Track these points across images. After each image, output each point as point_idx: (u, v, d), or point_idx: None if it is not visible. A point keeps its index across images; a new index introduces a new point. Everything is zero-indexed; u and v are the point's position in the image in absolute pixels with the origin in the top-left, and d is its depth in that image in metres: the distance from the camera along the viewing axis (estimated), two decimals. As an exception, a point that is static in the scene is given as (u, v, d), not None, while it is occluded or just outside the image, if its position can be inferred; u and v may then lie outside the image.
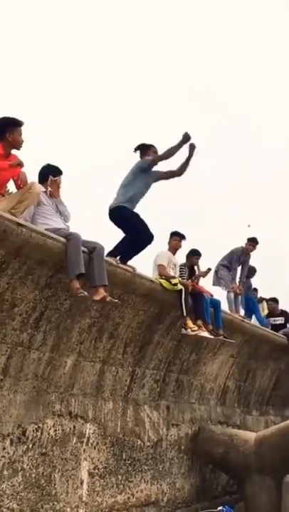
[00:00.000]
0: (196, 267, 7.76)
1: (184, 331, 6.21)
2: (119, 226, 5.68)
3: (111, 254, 5.30)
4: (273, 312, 10.67)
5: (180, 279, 6.56)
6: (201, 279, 7.71)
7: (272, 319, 10.50)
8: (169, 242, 7.11)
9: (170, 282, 6.11)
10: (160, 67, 29.35)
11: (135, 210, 5.73)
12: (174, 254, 7.07)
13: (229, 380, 8.35)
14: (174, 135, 5.72)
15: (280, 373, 10.21)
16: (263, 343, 9.02)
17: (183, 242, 7.20)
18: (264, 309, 10.20)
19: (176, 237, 7.13)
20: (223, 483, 7.76)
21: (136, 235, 5.56)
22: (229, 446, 7.04)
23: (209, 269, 7.80)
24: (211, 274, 8.44)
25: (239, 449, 7.00)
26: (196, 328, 6.32)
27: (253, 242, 9.22)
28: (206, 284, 8.04)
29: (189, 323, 6.24)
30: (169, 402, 6.74)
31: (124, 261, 5.32)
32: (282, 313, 10.83)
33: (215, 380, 7.91)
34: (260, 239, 9.34)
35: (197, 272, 7.67)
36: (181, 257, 7.48)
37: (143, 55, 30.19)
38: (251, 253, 9.31)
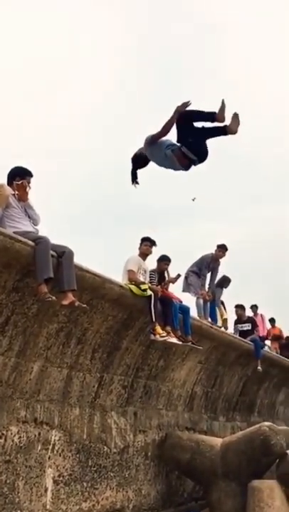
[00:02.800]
0: (166, 273, 7.79)
1: (152, 336, 6.20)
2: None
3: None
4: (240, 318, 10.82)
5: (150, 284, 6.57)
6: (171, 285, 7.75)
7: (239, 325, 10.65)
8: (140, 248, 7.12)
9: (140, 288, 6.11)
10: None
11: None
12: (144, 259, 7.07)
13: (197, 386, 8.39)
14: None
15: (247, 379, 10.33)
16: (230, 349, 9.11)
17: (153, 248, 7.22)
18: (223, 314, 10.30)
19: (147, 243, 7.13)
20: (189, 489, 7.77)
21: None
22: (195, 452, 7.06)
23: (179, 275, 7.84)
24: (181, 280, 8.49)
25: (205, 454, 7.02)
26: (164, 334, 6.33)
27: (222, 248, 9.32)
28: (175, 290, 8.10)
29: (158, 329, 6.24)
30: (137, 409, 6.72)
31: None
32: (249, 319, 11.01)
33: (183, 386, 7.93)
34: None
35: (167, 278, 7.70)
36: (151, 262, 7.51)
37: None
38: (221, 260, 9.41)
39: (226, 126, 4.42)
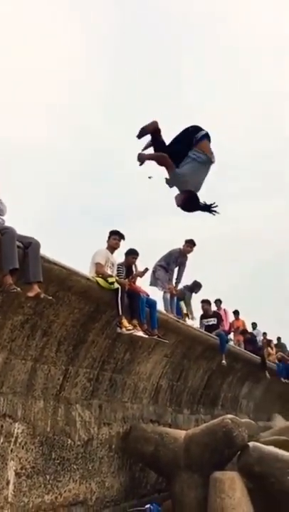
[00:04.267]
0: (133, 267, 7.80)
1: (119, 329, 6.22)
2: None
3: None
4: (206, 313, 10.96)
5: (117, 277, 6.56)
6: (138, 278, 7.76)
7: (205, 320, 10.79)
8: (108, 241, 7.09)
9: (107, 281, 6.10)
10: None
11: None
12: (112, 253, 7.06)
13: (162, 379, 8.46)
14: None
15: (212, 373, 10.48)
16: (196, 343, 9.22)
17: (122, 242, 7.21)
18: (182, 308, 10.43)
19: (116, 236, 7.12)
20: (152, 481, 7.85)
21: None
22: (159, 444, 7.13)
23: (146, 269, 7.86)
24: (149, 274, 8.52)
25: (169, 446, 7.10)
26: (131, 327, 6.36)
27: (190, 243, 9.41)
28: (143, 283, 8.12)
29: (125, 322, 6.26)
30: (102, 401, 6.72)
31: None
32: (215, 314, 11.18)
33: (148, 379, 7.98)
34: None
35: (134, 272, 7.71)
36: (119, 256, 7.50)
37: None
38: (188, 255, 9.49)
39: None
